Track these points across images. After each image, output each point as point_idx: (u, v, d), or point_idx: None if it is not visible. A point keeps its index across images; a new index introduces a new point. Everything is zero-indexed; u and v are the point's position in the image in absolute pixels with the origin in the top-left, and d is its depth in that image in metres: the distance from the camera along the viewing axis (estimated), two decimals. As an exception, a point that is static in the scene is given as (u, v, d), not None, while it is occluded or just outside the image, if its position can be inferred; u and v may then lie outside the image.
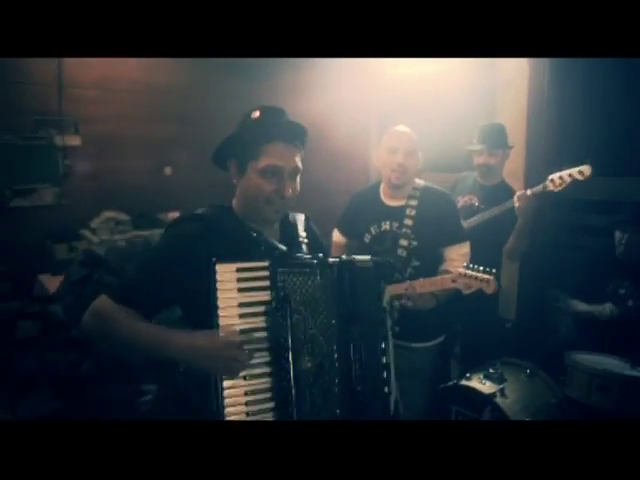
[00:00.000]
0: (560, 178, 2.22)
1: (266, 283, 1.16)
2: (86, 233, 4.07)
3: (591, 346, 2.35)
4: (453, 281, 1.74)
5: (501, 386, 2.02)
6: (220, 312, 1.11)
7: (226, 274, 1.12)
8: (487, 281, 1.68)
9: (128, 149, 4.30)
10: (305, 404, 1.15)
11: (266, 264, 1.16)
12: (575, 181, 2.20)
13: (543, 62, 2.84)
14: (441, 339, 2.08)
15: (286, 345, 1.14)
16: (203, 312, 1.12)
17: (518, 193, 2.34)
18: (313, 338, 1.18)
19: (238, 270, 1.13)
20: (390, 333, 1.31)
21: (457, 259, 1.93)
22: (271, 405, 1.13)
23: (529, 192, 2.30)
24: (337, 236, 2.23)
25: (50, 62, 3.98)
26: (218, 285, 1.10)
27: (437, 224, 1.94)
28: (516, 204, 2.33)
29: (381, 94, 3.88)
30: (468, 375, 2.13)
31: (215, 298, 1.10)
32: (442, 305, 1.91)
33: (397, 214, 1.99)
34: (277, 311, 1.14)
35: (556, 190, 2.23)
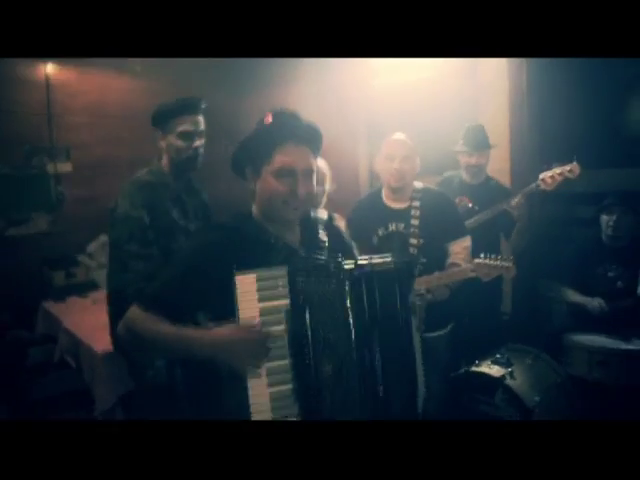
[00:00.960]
0: (551, 177, 2.36)
1: (285, 290, 1.16)
2: (83, 258, 4.09)
3: (584, 329, 2.48)
4: (472, 271, 1.94)
5: (509, 369, 2.13)
6: (241, 321, 1.13)
7: (246, 284, 1.13)
8: (507, 268, 1.90)
9: (121, 173, 4.31)
10: (326, 408, 1.15)
11: (284, 271, 1.17)
12: (566, 179, 2.35)
13: (521, 64, 3.02)
14: (450, 328, 2.21)
15: (305, 350, 1.15)
16: (226, 320, 1.16)
17: (513, 202, 2.47)
18: (331, 342, 1.17)
19: (258, 279, 1.14)
20: (417, 333, 1.31)
21: (461, 252, 2.09)
22: (295, 410, 1.14)
23: (523, 199, 2.45)
24: None
25: (39, 90, 4.04)
26: (239, 296, 1.13)
27: (441, 222, 2.10)
28: (515, 212, 2.47)
29: (367, 105, 4.02)
30: (477, 362, 2.23)
31: (236, 309, 1.13)
32: (450, 296, 2.06)
33: (402, 216, 2.14)
34: (296, 317, 1.15)
35: (549, 189, 2.36)
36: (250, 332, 1.14)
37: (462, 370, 2.21)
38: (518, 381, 2.09)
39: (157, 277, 1.29)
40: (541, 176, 2.39)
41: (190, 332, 1.19)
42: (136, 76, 3.92)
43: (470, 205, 2.66)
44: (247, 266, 1.15)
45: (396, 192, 2.16)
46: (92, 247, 4.17)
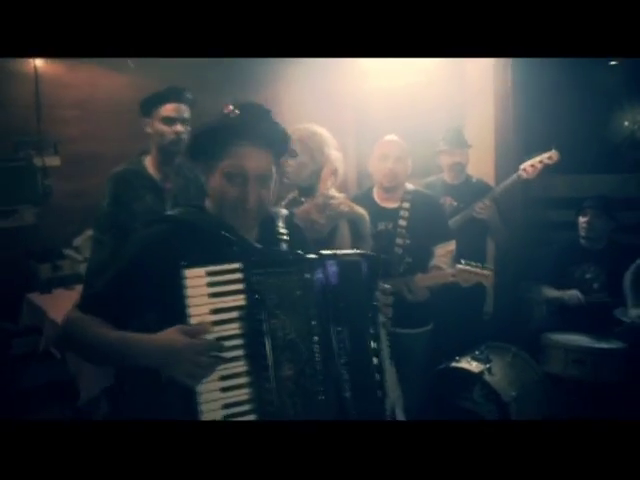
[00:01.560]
0: (532, 166, 2.46)
1: (240, 286, 1.05)
2: (70, 252, 4.08)
3: (563, 329, 2.56)
4: (453, 276, 1.99)
5: (488, 365, 2.20)
6: (191, 320, 1.01)
7: (196, 279, 1.02)
8: (486, 276, 1.95)
9: (109, 168, 4.34)
10: (287, 414, 1.05)
11: (238, 266, 1.06)
12: (546, 166, 2.44)
13: (506, 68, 3.11)
14: (428, 327, 2.24)
15: (263, 353, 1.04)
16: (177, 320, 1.03)
17: (478, 207, 2.58)
18: (292, 343, 1.08)
19: (208, 274, 1.03)
20: (383, 331, 1.22)
21: (445, 255, 2.15)
22: (252, 417, 1.02)
23: (489, 202, 2.56)
24: None
25: (29, 83, 4.03)
26: (188, 292, 1.01)
27: (428, 224, 2.16)
28: (480, 215, 2.57)
29: (356, 107, 4.08)
30: (457, 358, 2.29)
31: (185, 306, 1.01)
32: (430, 296, 2.11)
33: (391, 215, 2.19)
34: (252, 316, 1.05)
35: (531, 177, 2.45)
36: (197, 338, 1.01)
37: (442, 366, 2.27)
38: (496, 377, 2.15)
39: (99, 277, 1.17)
40: (522, 166, 2.50)
41: (132, 337, 1.07)
42: (128, 72, 3.94)
43: (455, 204, 2.73)
44: (198, 261, 1.04)
45: (388, 192, 2.22)
46: (78, 241, 4.16)
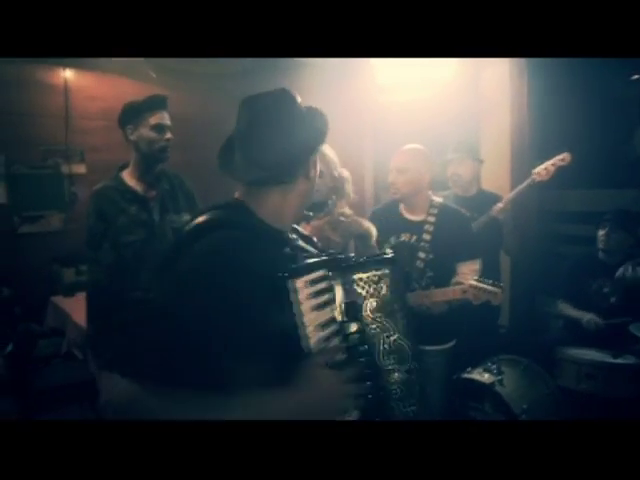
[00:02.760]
0: (545, 169, 2.45)
1: (330, 295, 0.96)
2: (93, 257, 4.20)
3: (578, 343, 2.54)
4: (464, 292, 1.95)
5: (499, 377, 2.20)
6: (310, 341, 0.88)
7: (303, 290, 0.89)
8: (495, 294, 1.89)
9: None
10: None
11: (325, 272, 0.97)
12: (559, 168, 2.43)
13: (522, 79, 3.12)
14: (452, 344, 2.23)
15: (373, 364, 0.97)
16: (273, 346, 0.87)
17: (496, 208, 2.58)
18: (397, 345, 1.02)
19: (311, 283, 0.92)
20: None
21: (469, 274, 2.07)
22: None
23: (508, 205, 2.57)
24: None
25: (58, 95, 4.19)
26: (302, 307, 0.88)
27: (453, 241, 2.10)
28: (498, 215, 2.57)
29: (373, 120, 4.14)
30: (469, 369, 2.30)
31: (297, 325, 0.88)
32: (453, 312, 2.09)
33: (416, 228, 2.17)
34: (351, 328, 0.97)
35: (544, 180, 2.46)
36: (334, 382, 0.90)
37: (454, 376, 2.28)
38: (507, 389, 2.15)
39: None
40: (535, 170, 2.49)
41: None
42: (151, 83, 4.06)
43: (468, 214, 2.73)
44: (271, 269, 0.91)
45: (406, 204, 2.21)
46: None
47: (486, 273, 2.17)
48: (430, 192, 2.23)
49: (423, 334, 2.11)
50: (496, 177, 3.23)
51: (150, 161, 2.08)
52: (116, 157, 4.32)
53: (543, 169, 2.47)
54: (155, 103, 2.08)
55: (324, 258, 1.01)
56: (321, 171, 2.04)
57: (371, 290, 1.01)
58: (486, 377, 2.20)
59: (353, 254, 1.16)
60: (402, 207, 2.25)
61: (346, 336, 0.96)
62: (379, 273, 1.03)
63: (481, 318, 2.57)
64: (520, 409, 2.07)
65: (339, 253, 1.08)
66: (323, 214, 2.03)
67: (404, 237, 2.19)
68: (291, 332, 0.89)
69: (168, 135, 2.07)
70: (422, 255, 2.13)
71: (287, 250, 1.04)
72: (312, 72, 3.64)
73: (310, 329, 0.89)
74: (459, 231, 2.14)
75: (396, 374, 1.01)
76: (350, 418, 0.93)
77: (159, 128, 2.04)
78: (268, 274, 0.90)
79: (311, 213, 2.05)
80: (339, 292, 0.98)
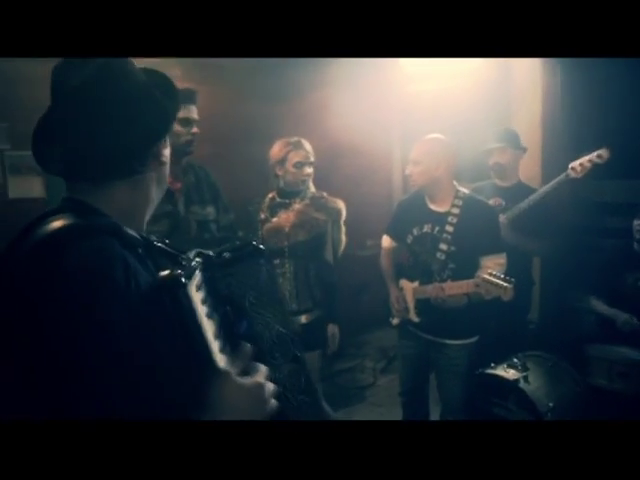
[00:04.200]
0: (580, 165, 2.36)
1: (214, 297, 0.86)
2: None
3: (611, 340, 2.46)
4: (477, 285, 1.92)
5: (524, 374, 2.15)
6: (213, 348, 0.78)
7: (195, 296, 0.78)
8: (504, 289, 1.83)
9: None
10: (292, 414, 0.96)
11: (203, 273, 0.85)
12: (595, 165, 2.33)
13: (555, 69, 3.01)
14: (475, 339, 2.19)
15: (263, 361, 0.90)
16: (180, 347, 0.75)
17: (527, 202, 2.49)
18: (280, 337, 0.96)
19: (197, 288, 0.80)
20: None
21: (492, 268, 2.00)
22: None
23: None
24: (386, 241, 2.43)
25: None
26: (197, 315, 0.76)
27: (477, 233, 2.05)
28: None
29: (401, 108, 4.08)
30: (493, 365, 2.25)
31: (198, 335, 0.76)
32: (475, 307, 2.06)
33: (439, 219, 2.13)
34: (241, 328, 0.89)
35: (579, 176, 2.37)
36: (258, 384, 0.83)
37: (477, 372, 2.24)
38: (532, 386, 2.10)
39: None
40: (571, 165, 2.40)
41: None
42: (177, 79, 4.10)
43: (504, 204, 2.65)
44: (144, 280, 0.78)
45: (429, 195, 2.18)
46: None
47: (515, 267, 2.12)
48: (455, 182, 2.18)
49: (444, 328, 2.14)
50: (526, 168, 3.13)
51: (176, 154, 2.10)
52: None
53: (578, 164, 2.37)
54: (182, 97, 2.08)
55: (196, 258, 0.87)
56: (298, 162, 2.21)
57: (248, 283, 0.92)
58: (510, 373, 2.16)
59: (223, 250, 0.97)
60: (427, 198, 2.21)
61: (238, 337, 0.86)
62: (252, 265, 0.95)
63: (509, 313, 2.51)
64: (546, 407, 2.02)
65: (203, 251, 0.91)
66: (299, 198, 2.26)
67: (426, 228, 2.16)
68: (194, 347, 0.75)
69: (194, 129, 2.10)
70: (444, 247, 2.10)
71: (141, 252, 0.84)
72: (340, 63, 3.61)
73: (210, 338, 0.78)
74: (484, 223, 2.09)
75: (284, 366, 0.96)
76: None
77: (185, 122, 2.07)
78: (150, 285, 0.75)
79: (287, 200, 2.27)
80: (218, 293, 0.86)
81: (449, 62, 3.27)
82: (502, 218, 2.47)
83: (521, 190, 2.68)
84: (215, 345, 0.80)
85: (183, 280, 0.74)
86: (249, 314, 0.91)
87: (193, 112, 2.11)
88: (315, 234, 2.23)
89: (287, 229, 2.22)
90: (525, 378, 2.11)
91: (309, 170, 2.26)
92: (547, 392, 2.10)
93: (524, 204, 2.52)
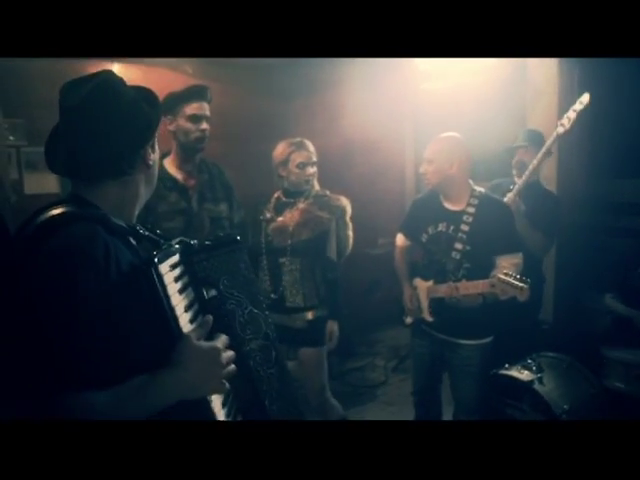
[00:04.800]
0: (567, 118, 2.36)
1: (188, 277, 1.01)
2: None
3: (627, 342, 2.42)
4: (492, 285, 1.89)
5: (539, 375, 2.12)
6: (184, 325, 0.94)
7: (168, 275, 0.94)
8: (521, 289, 1.81)
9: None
10: (262, 384, 1.08)
11: (180, 256, 1.01)
12: (579, 113, 2.33)
13: (572, 67, 2.96)
14: (489, 339, 2.16)
15: (234, 336, 1.03)
16: (159, 329, 0.91)
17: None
18: (252, 315, 1.09)
19: (171, 267, 0.96)
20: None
21: (508, 268, 1.97)
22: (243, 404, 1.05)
23: (517, 196, 2.45)
24: (400, 239, 2.41)
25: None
26: (168, 291, 0.92)
27: (492, 233, 2.02)
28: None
29: (415, 106, 4.06)
30: (507, 366, 2.23)
31: (168, 308, 0.91)
32: (490, 307, 2.03)
33: (454, 218, 2.11)
34: (212, 305, 1.02)
35: (568, 129, 2.36)
36: (211, 345, 0.95)
37: (491, 372, 2.22)
38: (547, 387, 2.07)
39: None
40: (559, 122, 2.40)
41: (159, 376, 0.89)
42: (189, 77, 4.11)
43: (523, 208, 2.61)
44: (124, 259, 0.93)
45: (444, 193, 2.16)
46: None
47: (525, 264, 2.08)
48: (471, 181, 2.16)
49: (457, 328, 2.12)
50: (542, 167, 3.09)
51: (188, 151, 2.11)
52: (160, 146, 4.50)
53: (565, 118, 2.37)
54: (192, 94, 2.09)
55: (176, 244, 1.05)
56: (301, 162, 2.25)
57: (223, 268, 1.06)
58: (525, 374, 2.13)
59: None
60: (442, 197, 2.20)
61: (208, 313, 1.00)
62: (228, 251, 1.10)
63: (522, 313, 2.48)
64: (561, 409, 2.00)
65: (185, 239, 1.09)
66: (303, 198, 2.31)
67: (441, 227, 2.14)
68: (162, 317, 0.91)
69: (204, 126, 2.08)
70: (459, 246, 2.08)
71: (131, 240, 1.02)
72: (354, 61, 3.59)
73: (179, 311, 0.94)
74: (500, 223, 2.07)
75: (254, 341, 1.09)
76: (225, 387, 0.98)
77: (195, 118, 2.06)
78: (131, 264, 0.93)
79: (292, 200, 2.32)
80: (195, 274, 1.02)
81: (463, 59, 3.24)
82: (509, 197, 2.45)
83: (537, 191, 2.64)
84: (185, 316, 0.96)
85: (156, 260, 0.91)
86: (223, 294, 1.05)
87: (202, 109, 2.09)
88: (319, 232, 2.26)
89: (291, 228, 2.25)
90: (540, 379, 2.09)
91: (312, 170, 2.28)
92: (562, 394, 2.07)
93: (525, 177, 2.50)
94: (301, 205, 2.29)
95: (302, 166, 2.25)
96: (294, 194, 2.32)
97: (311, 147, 2.31)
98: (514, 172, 2.73)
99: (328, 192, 2.37)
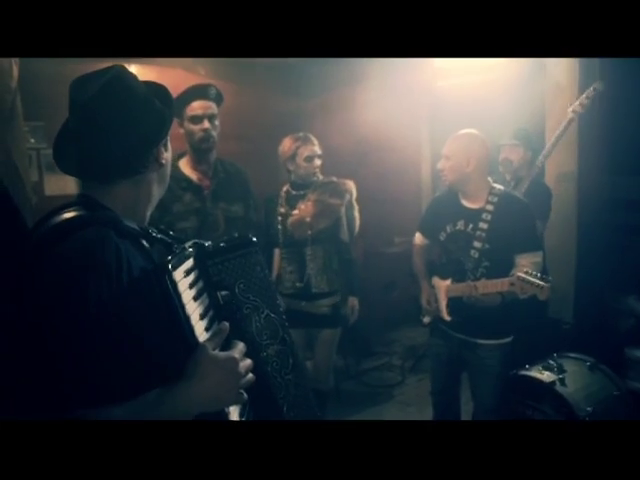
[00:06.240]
0: (580, 105, 2.46)
1: (203, 282, 0.97)
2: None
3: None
4: (512, 284, 1.86)
5: (560, 376, 2.08)
6: (199, 334, 0.88)
7: (182, 282, 0.89)
8: (541, 287, 1.78)
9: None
10: (280, 391, 1.05)
11: (194, 260, 0.96)
12: (593, 98, 2.43)
13: (594, 66, 2.90)
14: (509, 339, 2.13)
15: (250, 342, 0.99)
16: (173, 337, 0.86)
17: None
18: (269, 320, 1.05)
19: (186, 273, 0.91)
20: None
21: (528, 266, 1.93)
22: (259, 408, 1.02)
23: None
24: (419, 238, 2.39)
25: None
26: (183, 299, 0.87)
27: (512, 231, 1.99)
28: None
29: (432, 105, 4.02)
30: (527, 366, 2.19)
31: (183, 316, 0.86)
32: (509, 306, 1.99)
33: (473, 216, 2.08)
34: (227, 310, 0.98)
35: (582, 111, 2.47)
36: (229, 356, 0.89)
37: (511, 373, 2.18)
38: (569, 389, 2.03)
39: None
40: (571, 108, 2.50)
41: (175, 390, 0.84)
42: (201, 78, 4.12)
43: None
44: (137, 265, 0.89)
45: (463, 191, 2.12)
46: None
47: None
48: (490, 179, 2.13)
49: (476, 327, 2.08)
50: (563, 164, 3.04)
51: (198, 152, 2.11)
52: (175, 146, 4.53)
53: (577, 105, 2.46)
54: (191, 94, 2.06)
55: (189, 247, 0.99)
56: (308, 156, 2.35)
57: (239, 272, 1.02)
58: (546, 375, 2.09)
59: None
60: (460, 195, 2.17)
61: (225, 320, 0.95)
62: (243, 254, 1.04)
63: (540, 313, 2.45)
64: (584, 411, 1.95)
65: (199, 241, 1.03)
66: (312, 188, 2.42)
67: (460, 225, 2.11)
68: (177, 327, 0.86)
69: (205, 125, 2.04)
70: (478, 245, 2.05)
71: (144, 242, 0.98)
72: (369, 59, 3.57)
73: (194, 320, 0.89)
74: (519, 221, 2.03)
75: (271, 347, 1.05)
76: (243, 397, 0.92)
77: (195, 119, 2.04)
78: (143, 270, 0.88)
79: (302, 192, 2.44)
80: (209, 279, 0.98)
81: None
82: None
83: (532, 188, 2.68)
84: (200, 324, 0.91)
85: (170, 266, 0.86)
86: (238, 299, 1.00)
87: (203, 108, 2.05)
88: (334, 219, 2.42)
89: (309, 219, 2.37)
90: (561, 380, 2.05)
91: (319, 162, 2.41)
92: (585, 395, 2.03)
93: (541, 157, 2.66)
94: (312, 196, 2.40)
95: (309, 159, 2.38)
96: (302, 186, 2.44)
97: (315, 140, 2.42)
98: (500, 169, 2.76)
99: (334, 178, 2.48)
